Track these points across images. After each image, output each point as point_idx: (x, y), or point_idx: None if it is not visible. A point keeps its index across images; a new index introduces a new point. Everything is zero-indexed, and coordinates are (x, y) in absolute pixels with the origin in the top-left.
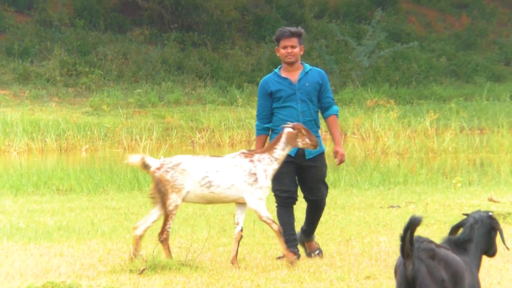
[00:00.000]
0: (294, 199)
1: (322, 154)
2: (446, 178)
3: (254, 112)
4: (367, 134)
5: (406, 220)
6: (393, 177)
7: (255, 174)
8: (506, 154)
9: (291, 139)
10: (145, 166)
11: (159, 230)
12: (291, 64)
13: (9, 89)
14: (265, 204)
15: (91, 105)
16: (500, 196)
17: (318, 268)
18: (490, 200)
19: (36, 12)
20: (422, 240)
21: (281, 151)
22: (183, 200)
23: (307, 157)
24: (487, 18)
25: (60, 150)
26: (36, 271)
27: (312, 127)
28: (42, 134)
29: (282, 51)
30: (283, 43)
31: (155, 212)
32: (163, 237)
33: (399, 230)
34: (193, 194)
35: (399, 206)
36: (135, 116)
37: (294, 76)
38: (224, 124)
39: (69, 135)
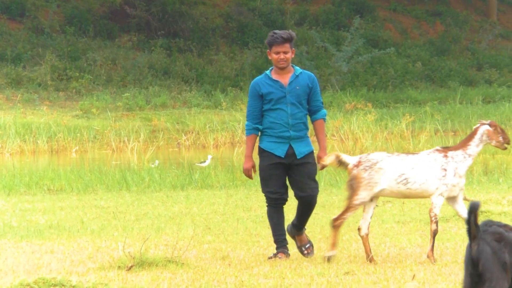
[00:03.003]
0: (283, 200)
1: (311, 153)
2: None
3: (238, 115)
4: (346, 136)
5: (384, 218)
6: None
7: (445, 170)
8: (479, 155)
9: (489, 136)
10: (341, 163)
11: (334, 216)
12: (283, 68)
13: (2, 93)
14: (442, 201)
15: (81, 108)
16: (473, 195)
17: (299, 264)
18: (464, 199)
19: (28, 20)
20: (491, 224)
21: (475, 147)
22: (379, 195)
23: (298, 157)
24: (460, 25)
25: (51, 151)
26: (28, 268)
27: (301, 129)
28: (34, 136)
29: (275, 56)
30: (275, 49)
31: (369, 207)
32: (336, 224)
33: (377, 228)
34: (389, 191)
35: (377, 205)
36: (123, 119)
37: (285, 79)
38: (209, 127)
39: (60, 137)
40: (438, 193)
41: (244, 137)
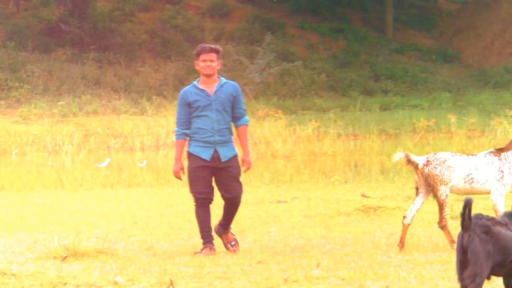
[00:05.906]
0: (210, 200)
1: (235, 156)
2: (326, 177)
3: (162, 121)
4: (259, 140)
5: (292, 213)
6: (281, 176)
7: (502, 171)
8: (376, 156)
9: None
10: (409, 162)
11: (437, 220)
12: (209, 76)
13: None
14: (503, 200)
15: (21, 115)
16: (371, 192)
17: (217, 255)
18: (363, 195)
19: None
20: (481, 217)
21: None
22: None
23: (222, 160)
24: (360, 41)
25: None
26: None
27: (226, 134)
28: None
29: (202, 64)
30: (203, 57)
31: (418, 201)
32: (442, 224)
33: (286, 222)
34: (456, 188)
35: (286, 201)
36: (58, 125)
37: (211, 88)
38: (136, 131)
39: (1, 141)
40: (498, 193)
41: (168, 141)
